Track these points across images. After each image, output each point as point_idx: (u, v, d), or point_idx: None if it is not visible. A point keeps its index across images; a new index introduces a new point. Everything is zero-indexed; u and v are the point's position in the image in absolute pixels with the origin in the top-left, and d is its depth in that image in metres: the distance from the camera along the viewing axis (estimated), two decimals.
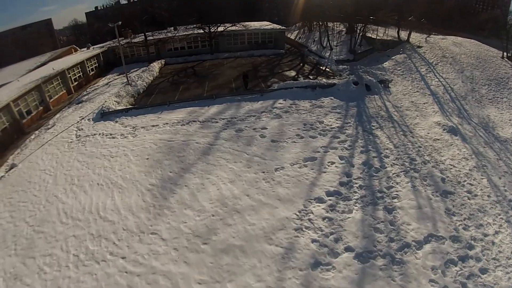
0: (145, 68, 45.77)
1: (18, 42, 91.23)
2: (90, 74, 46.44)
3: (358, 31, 47.11)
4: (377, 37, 48.16)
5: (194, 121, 24.85)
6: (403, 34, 49.53)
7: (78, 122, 29.50)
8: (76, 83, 42.05)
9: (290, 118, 25.09)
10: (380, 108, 29.03)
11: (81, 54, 52.41)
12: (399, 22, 49.45)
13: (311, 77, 37.20)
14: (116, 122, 28.17)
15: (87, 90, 40.59)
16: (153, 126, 25.75)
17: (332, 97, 29.73)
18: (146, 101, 32.52)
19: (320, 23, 57.43)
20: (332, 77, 37.45)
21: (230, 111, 25.97)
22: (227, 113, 25.72)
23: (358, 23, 47.76)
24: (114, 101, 32.82)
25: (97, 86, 42.73)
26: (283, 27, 59.44)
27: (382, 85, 34.02)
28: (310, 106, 27.67)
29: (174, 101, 28.78)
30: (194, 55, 53.31)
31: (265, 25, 59.59)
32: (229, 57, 50.98)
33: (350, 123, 25.12)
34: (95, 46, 57.69)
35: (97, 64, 49.30)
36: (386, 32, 49.50)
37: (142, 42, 51.08)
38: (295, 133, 22.75)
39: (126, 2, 77.96)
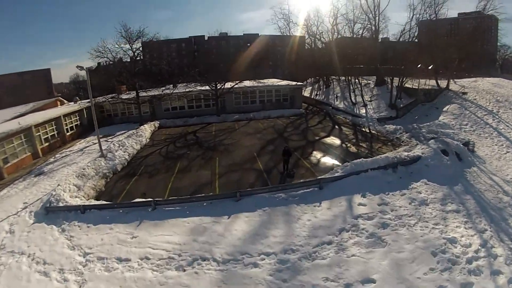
0: (132, 132, 33.19)
1: (12, 88, 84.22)
2: (68, 133, 36.41)
3: (397, 82, 36.82)
4: (419, 87, 37.74)
5: (203, 260, 11.34)
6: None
7: (16, 213, 17.08)
8: (47, 144, 31.68)
9: (401, 242, 11.85)
10: (495, 189, 17.47)
11: (59, 109, 40.79)
12: (436, 70, 39.59)
13: (365, 147, 24.61)
14: (62, 231, 14.97)
15: (57, 155, 29.47)
16: (119, 260, 12.08)
17: (425, 180, 17.50)
18: (121, 190, 19.40)
19: (341, 78, 47.55)
20: (394, 144, 25.32)
21: (275, 231, 12.82)
22: (270, 236, 12.52)
23: (389, 75, 38.28)
24: (73, 184, 19.95)
25: (72, 150, 30.65)
26: (300, 83, 48.95)
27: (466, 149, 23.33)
28: (411, 204, 14.72)
29: (164, 201, 15.43)
30: (196, 116, 41.57)
31: (276, 82, 49.10)
32: (240, 119, 39.19)
33: (485, 229, 12.89)
34: (84, 101, 46.13)
35: (78, 122, 39.19)
36: (425, 81, 39.20)
37: (133, 98, 39.40)
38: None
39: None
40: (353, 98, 42.33)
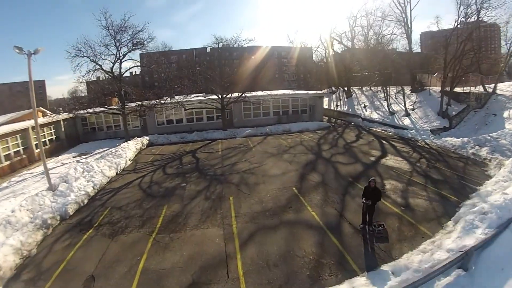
0: (110, 151, 23.60)
1: (6, 97, 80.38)
2: (39, 150, 25.04)
3: (450, 86, 28.25)
4: (470, 91, 28.36)
5: None
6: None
7: None
8: (7, 162, 23.40)
9: None
10: None
11: (28, 121, 31.60)
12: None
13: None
14: None
15: (12, 179, 20.74)
16: None
17: None
18: (57, 262, 9.54)
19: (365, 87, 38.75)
20: (477, 164, 16.44)
21: None
22: None
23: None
24: None
25: (33, 173, 21.66)
26: (320, 92, 39.97)
27: None
28: None
29: None
30: (197, 131, 31.98)
31: (288, 92, 39.89)
32: (254, 135, 29.81)
33: None
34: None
35: (54, 136, 30.36)
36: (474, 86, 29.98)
37: (118, 109, 30.17)
38: None
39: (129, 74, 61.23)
40: (389, 107, 33.08)
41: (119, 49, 30.06)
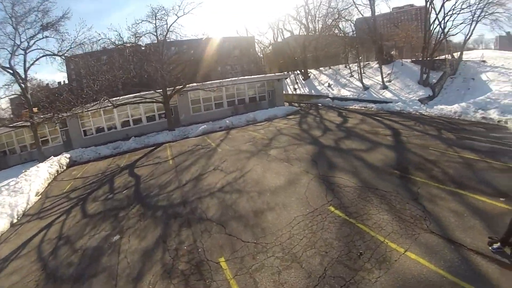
0: (5, 184, 14.77)
1: None
2: None
3: (427, 54, 25.28)
4: (446, 58, 26.58)
5: None
6: None
7: None
8: None
9: None
10: None
11: None
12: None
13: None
14: None
15: None
16: None
17: None
18: None
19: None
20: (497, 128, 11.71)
21: None
22: None
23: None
24: None
25: None
26: (279, 74, 34.09)
27: None
28: None
29: None
30: (136, 136, 23.31)
31: (242, 78, 33.19)
32: (211, 131, 22.32)
33: None
34: None
35: None
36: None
37: (26, 120, 20.73)
38: None
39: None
40: (362, 82, 28.60)
41: (19, 32, 20.26)
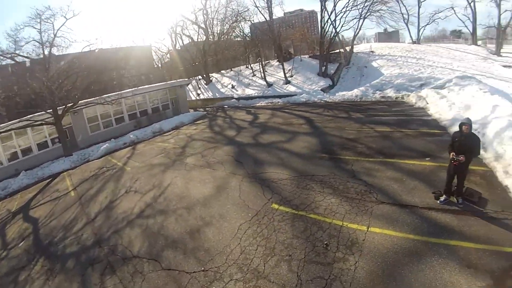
0: None
1: None
2: None
3: (323, 49, 27.34)
4: (340, 51, 29.08)
5: None
6: None
7: None
8: None
9: None
10: None
11: None
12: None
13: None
14: None
15: None
16: None
17: None
18: None
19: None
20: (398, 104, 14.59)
21: None
22: None
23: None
24: None
25: None
26: (182, 80, 32.04)
27: None
28: None
29: None
30: (27, 170, 17.92)
31: (142, 87, 30.03)
32: (114, 150, 18.96)
33: None
34: None
35: None
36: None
37: None
38: None
39: None
40: (266, 80, 29.24)
41: None
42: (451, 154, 5.57)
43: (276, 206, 6.79)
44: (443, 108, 11.78)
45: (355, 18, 27.91)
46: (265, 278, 4.71)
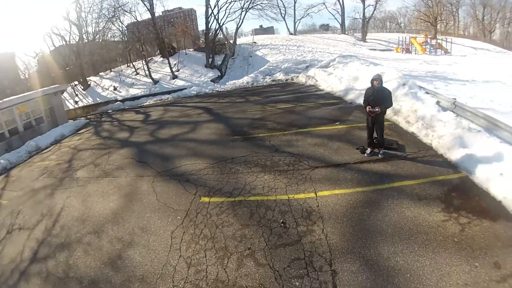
0: None
1: None
2: None
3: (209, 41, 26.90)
4: (225, 43, 29.82)
5: None
6: None
7: None
8: None
9: None
10: None
11: None
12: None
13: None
14: None
15: None
16: None
17: None
18: None
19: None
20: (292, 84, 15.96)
21: None
22: None
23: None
24: None
25: None
26: (57, 86, 25.63)
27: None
28: None
29: None
30: None
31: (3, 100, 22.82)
32: None
33: None
34: None
35: None
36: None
37: None
38: None
39: None
40: (152, 77, 26.39)
41: None
42: (367, 108, 5.68)
43: (206, 199, 5.50)
44: (334, 82, 12.86)
45: (238, 9, 28.57)
46: (234, 286, 3.51)
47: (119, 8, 30.77)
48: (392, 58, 24.54)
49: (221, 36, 30.61)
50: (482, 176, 4.81)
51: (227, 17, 27.90)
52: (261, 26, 46.54)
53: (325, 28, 53.91)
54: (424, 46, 29.66)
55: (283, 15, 39.67)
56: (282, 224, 4.26)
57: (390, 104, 5.71)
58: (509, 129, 5.27)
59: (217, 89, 20.70)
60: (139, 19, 31.03)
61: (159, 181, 6.86)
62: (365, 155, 5.99)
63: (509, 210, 4.09)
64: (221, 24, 27.12)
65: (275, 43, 29.07)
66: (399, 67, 16.73)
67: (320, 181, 5.28)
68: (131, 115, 18.96)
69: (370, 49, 29.04)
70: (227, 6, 27.08)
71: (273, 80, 19.12)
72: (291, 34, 40.16)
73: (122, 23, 34.29)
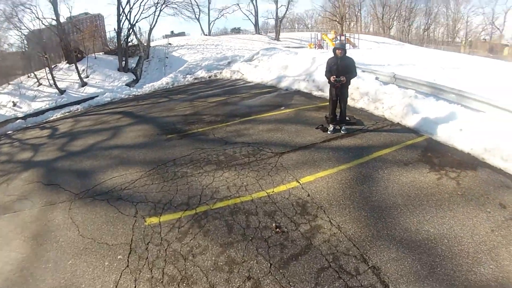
0: None
1: None
2: None
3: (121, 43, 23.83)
4: (139, 44, 27.28)
5: None
6: None
7: None
8: None
9: None
10: None
11: None
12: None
13: None
14: None
15: None
16: None
17: None
18: None
19: None
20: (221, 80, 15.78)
21: None
22: None
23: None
24: None
25: None
26: None
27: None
28: None
29: None
30: None
31: None
32: None
33: None
34: None
35: None
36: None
37: None
38: None
39: None
40: (57, 87, 21.45)
41: None
42: (332, 78, 4.98)
43: (154, 219, 3.82)
44: (263, 73, 12.20)
45: (152, 6, 25.92)
46: None
47: (18, 7, 23.68)
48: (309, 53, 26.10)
49: (134, 37, 27.44)
50: (444, 135, 4.74)
51: (141, 13, 24.80)
52: (172, 32, 43.41)
53: (237, 31, 54.21)
54: (334, 41, 32.38)
55: (197, 16, 37.93)
56: (278, 230, 3.04)
57: (355, 73, 5.12)
58: (454, 91, 5.45)
59: (134, 93, 17.65)
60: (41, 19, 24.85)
61: (78, 207, 4.70)
62: (328, 132, 5.32)
63: (479, 159, 4.30)
64: (133, 24, 23.92)
65: (192, 43, 27.50)
66: (321, 58, 17.64)
67: (296, 167, 4.28)
68: (36, 132, 14.44)
69: (285, 47, 30.26)
70: (141, 2, 24.18)
71: (195, 78, 17.45)
72: (206, 35, 38.93)
73: (20, 30, 26.90)
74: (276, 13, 40.66)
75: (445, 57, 20.44)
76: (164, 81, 18.17)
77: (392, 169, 4.11)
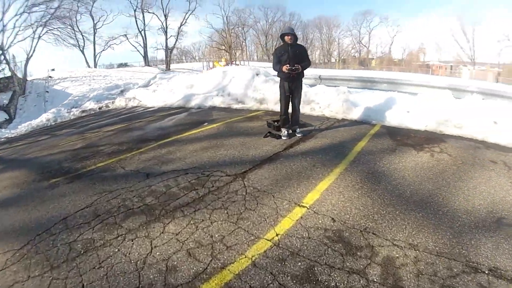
0: None
1: None
2: None
3: None
4: (14, 76, 21.99)
5: None
6: None
7: None
8: None
9: None
10: None
11: None
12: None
13: None
14: None
15: None
16: None
17: None
18: None
19: None
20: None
21: None
22: None
23: None
24: None
25: None
26: None
27: None
28: None
29: None
30: None
31: None
32: None
33: None
34: None
35: None
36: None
37: None
38: None
39: None
40: None
41: None
42: (284, 67, 3.93)
43: None
44: (164, 95, 10.24)
45: (28, 27, 21.84)
46: None
47: None
48: None
49: (7, 66, 20.85)
50: (395, 119, 4.53)
51: (15, 35, 19.01)
52: (53, 69, 34.81)
53: (124, 66, 49.22)
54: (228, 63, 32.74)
55: (81, 48, 32.62)
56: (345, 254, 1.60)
57: (308, 61, 4.15)
58: (384, 81, 5.53)
59: (6, 135, 12.28)
60: None
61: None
62: (283, 138, 4.23)
63: (437, 132, 4.32)
64: (5, 49, 18.16)
65: (76, 75, 23.16)
66: (232, 71, 17.34)
67: (280, 186, 2.86)
68: None
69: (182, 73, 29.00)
70: (14, 23, 18.79)
71: (83, 111, 13.58)
72: (91, 68, 33.12)
73: None
74: (166, 44, 39.03)
75: (323, 72, 24.40)
76: (44, 118, 13.45)
77: (387, 158, 3.57)
